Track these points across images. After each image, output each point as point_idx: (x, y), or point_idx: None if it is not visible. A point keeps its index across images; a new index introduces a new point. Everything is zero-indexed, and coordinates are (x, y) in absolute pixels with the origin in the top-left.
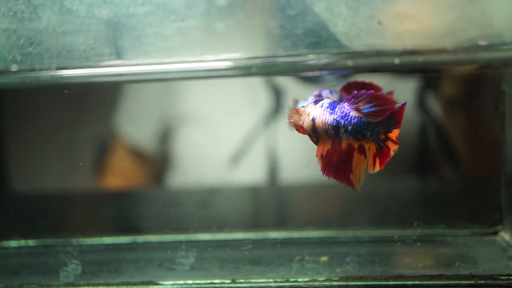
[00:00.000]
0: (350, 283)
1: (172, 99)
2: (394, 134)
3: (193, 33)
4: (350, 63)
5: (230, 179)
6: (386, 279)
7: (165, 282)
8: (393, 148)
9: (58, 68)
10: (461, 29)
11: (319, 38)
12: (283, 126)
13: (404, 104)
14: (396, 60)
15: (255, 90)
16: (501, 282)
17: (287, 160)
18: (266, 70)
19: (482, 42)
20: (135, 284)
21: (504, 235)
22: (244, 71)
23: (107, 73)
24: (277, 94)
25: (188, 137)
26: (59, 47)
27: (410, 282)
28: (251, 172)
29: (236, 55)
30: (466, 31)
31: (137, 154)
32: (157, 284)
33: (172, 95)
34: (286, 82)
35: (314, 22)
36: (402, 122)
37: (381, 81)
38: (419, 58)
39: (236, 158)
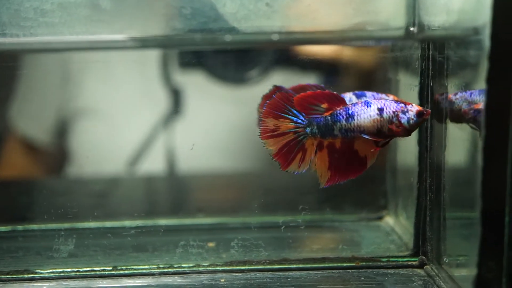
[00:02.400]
0: (235, 268)
1: (69, 94)
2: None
3: (75, 9)
4: (228, 37)
5: (127, 170)
6: (271, 262)
7: (42, 271)
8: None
9: None
10: (349, 14)
11: (208, 18)
12: (181, 123)
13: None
14: (275, 36)
15: (153, 88)
16: (381, 263)
17: (185, 151)
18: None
19: (370, 28)
20: (8, 273)
21: (388, 220)
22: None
23: None
24: (176, 94)
25: (86, 131)
26: None
27: (294, 266)
28: (149, 164)
29: (120, 36)
30: (354, 17)
31: (30, 147)
32: (33, 272)
33: (69, 90)
34: (185, 82)
35: (202, 2)
36: None
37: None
38: (304, 41)
39: (135, 160)
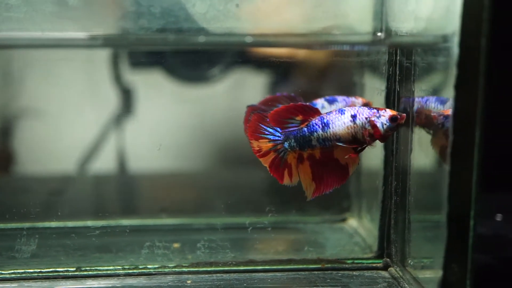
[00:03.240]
0: (201, 269)
1: (11, 94)
2: None
3: (41, 4)
4: (202, 38)
5: (78, 170)
6: (237, 264)
7: (3, 271)
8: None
9: None
10: (317, 18)
11: (177, 18)
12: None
13: None
14: (248, 38)
15: (102, 87)
16: (346, 265)
17: (142, 149)
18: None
19: (336, 32)
20: None
21: (352, 222)
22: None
23: None
24: (126, 93)
25: (32, 131)
26: None
27: (260, 267)
28: (103, 163)
29: (85, 34)
30: (321, 20)
31: None
32: None
33: (11, 90)
34: (135, 81)
35: (172, 1)
36: None
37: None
38: (273, 43)
39: (85, 162)
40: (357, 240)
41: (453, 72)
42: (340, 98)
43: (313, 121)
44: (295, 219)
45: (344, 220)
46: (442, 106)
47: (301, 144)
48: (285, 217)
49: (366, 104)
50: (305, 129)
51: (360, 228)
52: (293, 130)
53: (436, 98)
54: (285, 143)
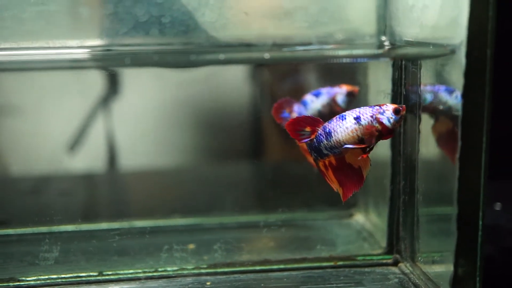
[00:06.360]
0: (219, 270)
1: None
2: None
3: (55, 17)
4: (222, 56)
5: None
6: (253, 264)
7: None
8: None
9: None
10: (321, 22)
11: (187, 27)
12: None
13: None
14: (266, 55)
15: (84, 76)
16: (358, 262)
17: (131, 147)
18: (136, 60)
19: (340, 36)
20: None
21: (358, 218)
22: (114, 62)
23: None
24: (112, 77)
25: (11, 129)
26: None
27: (275, 266)
28: (89, 161)
29: (99, 42)
30: (326, 25)
31: None
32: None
33: None
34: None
35: (182, 11)
36: None
37: None
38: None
39: (74, 144)
40: (365, 236)
41: (458, 78)
42: (324, 90)
43: (319, 131)
44: (304, 216)
45: (351, 215)
46: (449, 95)
47: (317, 153)
48: (294, 214)
49: (351, 92)
50: (314, 139)
51: (367, 223)
52: (308, 141)
53: (445, 88)
54: (311, 152)
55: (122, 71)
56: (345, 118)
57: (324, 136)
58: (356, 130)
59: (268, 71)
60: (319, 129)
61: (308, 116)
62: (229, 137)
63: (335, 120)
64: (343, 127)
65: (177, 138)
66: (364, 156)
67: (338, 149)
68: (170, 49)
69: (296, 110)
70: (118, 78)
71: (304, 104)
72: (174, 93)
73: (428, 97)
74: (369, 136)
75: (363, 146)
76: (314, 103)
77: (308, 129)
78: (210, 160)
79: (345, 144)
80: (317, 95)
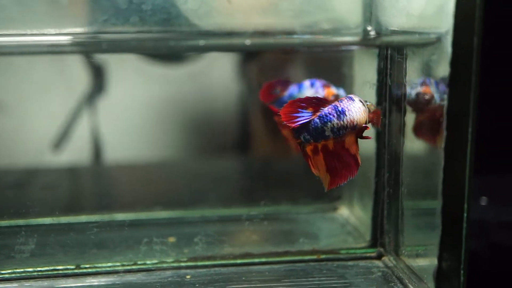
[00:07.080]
0: (199, 263)
1: None
2: None
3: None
4: (202, 42)
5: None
6: (234, 257)
7: None
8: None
9: None
10: (306, 12)
11: (168, 14)
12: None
13: None
14: (247, 42)
15: (69, 70)
16: (341, 255)
17: (123, 140)
18: (113, 46)
19: (325, 25)
20: None
21: (343, 211)
22: (91, 48)
23: None
24: (97, 72)
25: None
26: None
27: (257, 260)
28: (73, 155)
29: (79, 29)
30: (311, 14)
31: None
32: None
33: None
34: (107, 60)
35: None
36: None
37: None
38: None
39: (59, 141)
40: (349, 230)
41: (444, 68)
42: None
43: (325, 111)
44: (287, 209)
45: (335, 209)
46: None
47: (315, 136)
48: (277, 208)
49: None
50: (318, 120)
51: (351, 217)
52: (305, 123)
53: (428, 80)
54: (301, 136)
55: (107, 66)
56: (354, 100)
57: (335, 115)
58: (365, 112)
59: (255, 67)
60: (324, 109)
61: (313, 97)
62: (214, 132)
63: (345, 100)
64: (356, 107)
65: (162, 133)
66: (369, 138)
67: (346, 130)
68: (150, 37)
69: (289, 91)
70: (104, 73)
71: (300, 87)
72: (159, 88)
73: (412, 92)
74: (376, 118)
75: (367, 128)
76: (309, 90)
77: (310, 109)
78: (195, 154)
79: (356, 123)
80: (312, 84)
